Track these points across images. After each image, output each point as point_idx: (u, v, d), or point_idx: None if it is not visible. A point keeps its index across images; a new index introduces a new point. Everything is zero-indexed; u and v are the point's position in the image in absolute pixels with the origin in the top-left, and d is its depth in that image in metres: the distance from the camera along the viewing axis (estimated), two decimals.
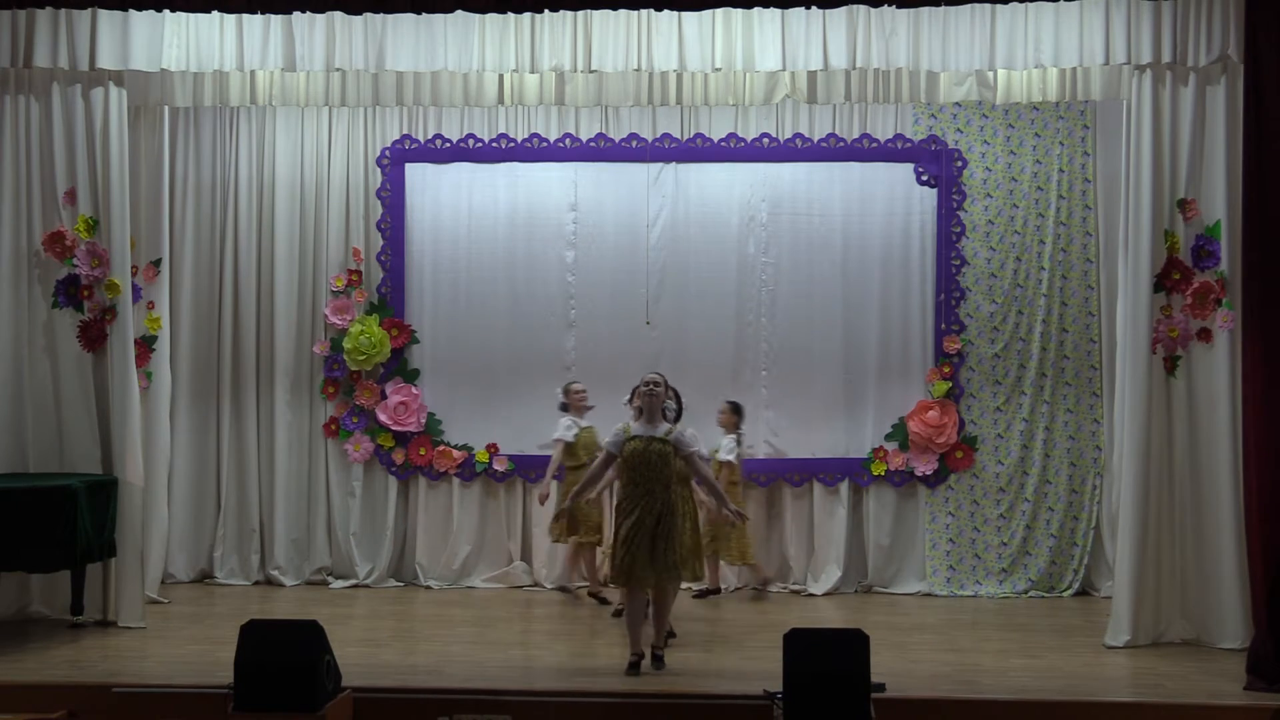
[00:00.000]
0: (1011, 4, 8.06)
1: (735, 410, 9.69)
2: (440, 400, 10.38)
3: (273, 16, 8.31)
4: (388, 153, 10.43)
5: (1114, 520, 9.05)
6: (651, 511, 7.40)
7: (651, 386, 7.58)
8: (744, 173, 10.30)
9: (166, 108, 9.32)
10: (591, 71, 8.50)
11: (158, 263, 9.28)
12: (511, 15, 8.24)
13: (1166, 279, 8.17)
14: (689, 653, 7.94)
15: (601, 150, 10.37)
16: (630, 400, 8.16)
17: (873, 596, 9.99)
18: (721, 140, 10.32)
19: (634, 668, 7.37)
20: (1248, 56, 7.82)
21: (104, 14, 8.31)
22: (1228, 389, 7.97)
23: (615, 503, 7.85)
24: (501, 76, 9.08)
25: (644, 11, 8.19)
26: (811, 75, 8.80)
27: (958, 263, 10.15)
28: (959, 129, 10.20)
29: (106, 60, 8.38)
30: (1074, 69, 8.61)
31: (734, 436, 9.62)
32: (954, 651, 8.08)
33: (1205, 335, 8.09)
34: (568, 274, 10.34)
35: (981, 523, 10.08)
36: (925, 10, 8.10)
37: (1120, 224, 8.62)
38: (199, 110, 10.20)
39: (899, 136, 10.25)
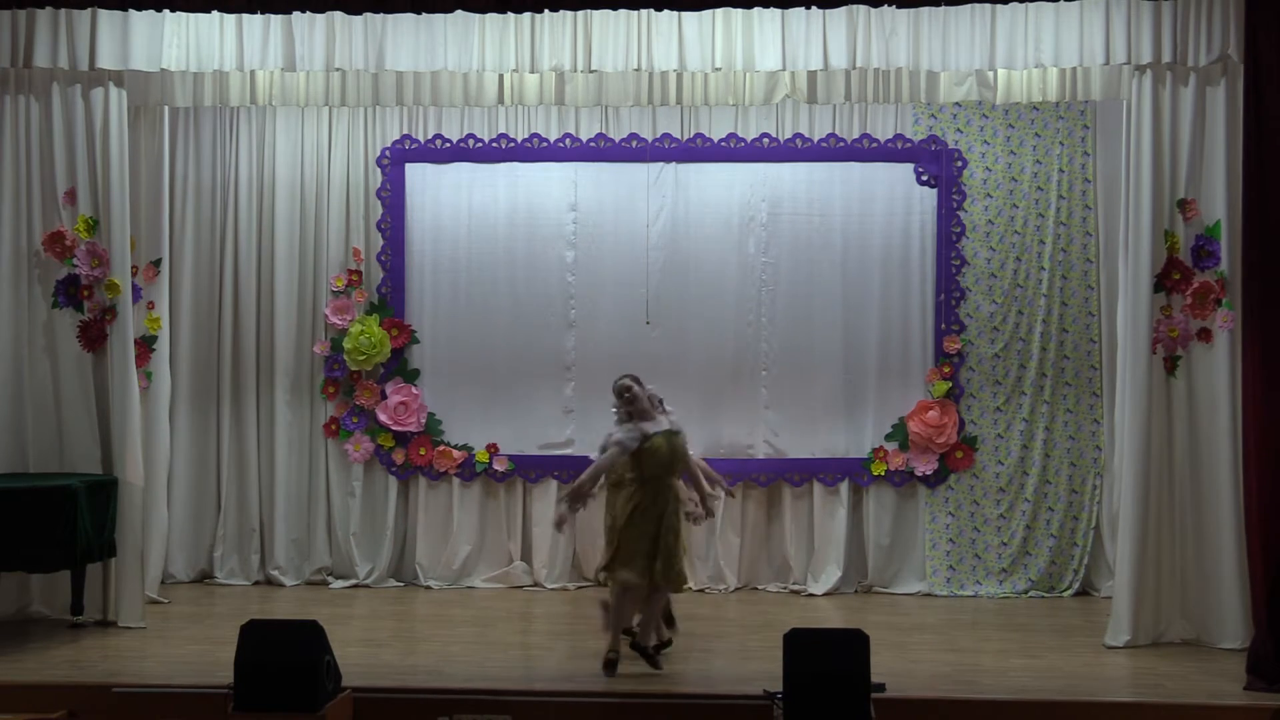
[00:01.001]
0: (1011, 4, 8.06)
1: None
2: (440, 400, 10.38)
3: (273, 16, 8.31)
4: (388, 153, 10.43)
5: (1114, 520, 9.06)
6: (663, 511, 7.39)
7: (631, 392, 7.58)
8: (744, 173, 10.29)
9: (166, 108, 9.31)
10: (591, 71, 8.50)
11: (158, 263, 9.28)
12: (511, 15, 8.24)
13: (1166, 279, 8.17)
14: (689, 653, 7.94)
15: (601, 150, 10.36)
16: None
17: (873, 596, 9.99)
18: (721, 140, 10.32)
19: (611, 666, 7.34)
20: (1248, 56, 7.82)
21: (104, 14, 8.31)
22: (1228, 389, 7.96)
23: (611, 498, 7.73)
24: (501, 76, 9.07)
25: (644, 11, 8.19)
26: (811, 75, 8.80)
27: (958, 263, 10.15)
28: (959, 129, 10.20)
29: (106, 60, 8.38)
30: (1074, 69, 8.61)
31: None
32: (954, 651, 8.08)
33: (1205, 335, 8.09)
34: (568, 274, 10.34)
35: (981, 523, 10.08)
36: (925, 10, 8.10)
37: (1120, 224, 8.63)
38: (199, 110, 10.19)
39: (899, 136, 10.25)
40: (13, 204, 8.57)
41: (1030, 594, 9.93)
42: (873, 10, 8.12)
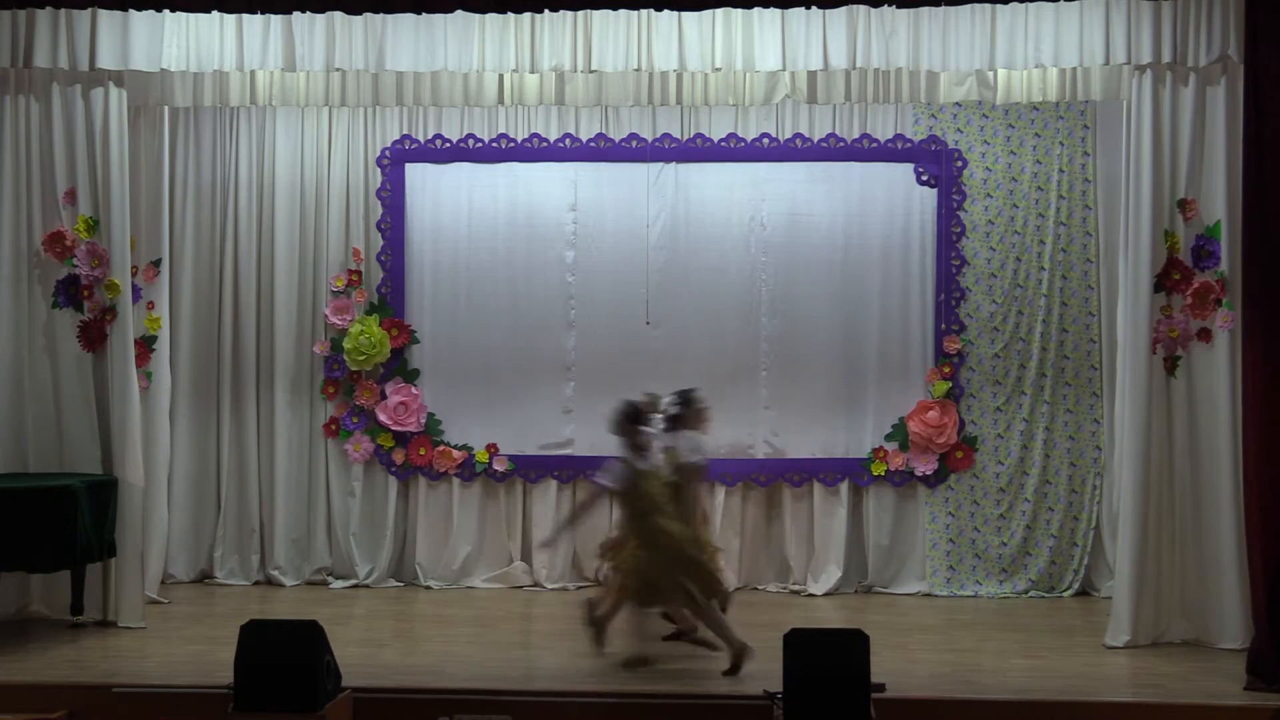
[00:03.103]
0: (1011, 4, 8.05)
1: None
2: (440, 400, 10.38)
3: (273, 16, 8.30)
4: (388, 153, 10.43)
5: (1114, 520, 9.06)
6: None
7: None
8: (744, 173, 10.29)
9: (166, 108, 9.31)
10: (591, 71, 8.50)
11: (158, 263, 9.28)
12: (511, 15, 8.23)
13: (1166, 279, 8.17)
14: (689, 653, 7.94)
15: (601, 150, 10.36)
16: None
17: (873, 596, 9.99)
18: (721, 140, 10.32)
19: None
20: (1248, 56, 7.82)
21: (104, 14, 8.31)
22: (1228, 389, 7.96)
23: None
24: (501, 76, 9.07)
25: (644, 11, 8.19)
26: (811, 75, 8.80)
27: (958, 263, 10.15)
28: (959, 129, 10.20)
29: (106, 60, 8.38)
30: (1074, 69, 8.60)
31: None
32: (954, 651, 8.08)
33: (1205, 335, 8.09)
34: (568, 274, 10.34)
35: (981, 523, 10.08)
36: (925, 10, 8.10)
37: (1120, 224, 8.63)
38: (199, 110, 10.18)
39: (899, 136, 10.25)
40: (13, 204, 8.57)
41: (1030, 594, 9.93)
42: (873, 10, 8.11)
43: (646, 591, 7.52)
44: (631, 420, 7.76)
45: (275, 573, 10.22)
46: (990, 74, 8.83)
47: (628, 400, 7.91)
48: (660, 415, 8.25)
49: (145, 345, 9.12)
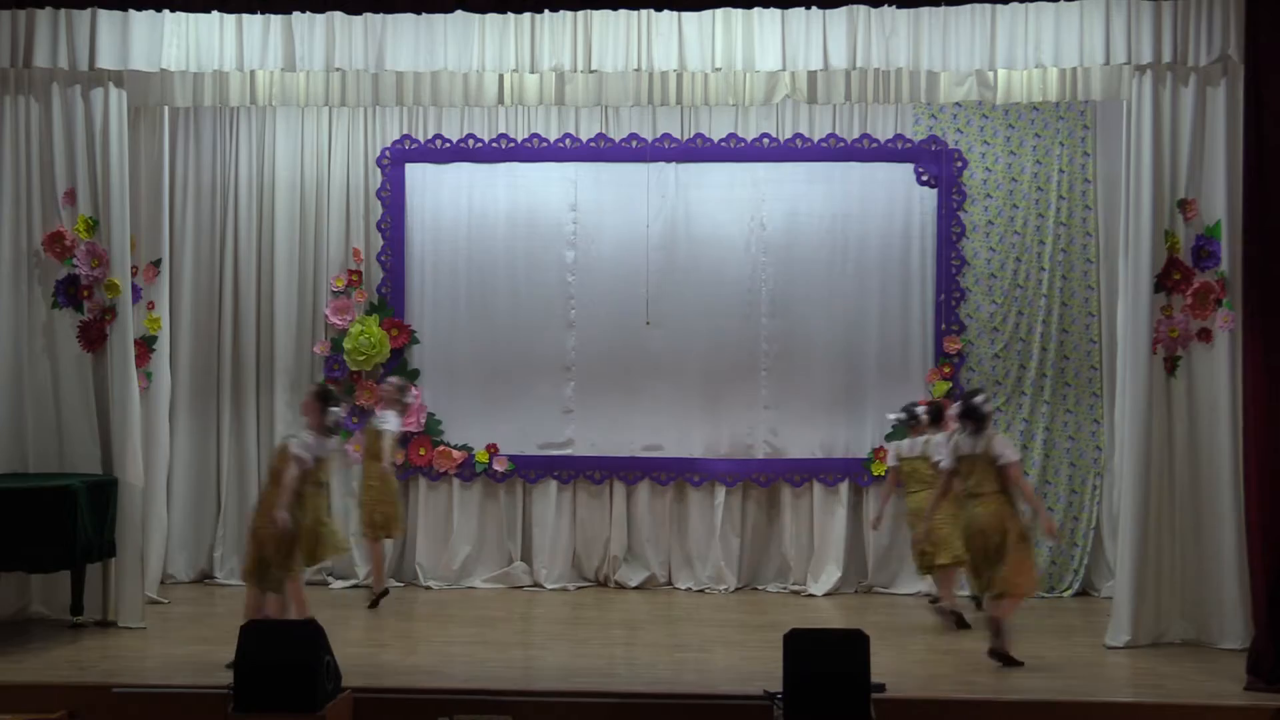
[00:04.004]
0: (1011, 4, 8.06)
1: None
2: (440, 400, 10.38)
3: (273, 16, 8.31)
4: (388, 153, 10.43)
5: (1114, 520, 9.07)
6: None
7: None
8: (744, 173, 10.29)
9: (166, 108, 9.32)
10: (591, 71, 8.50)
11: (158, 263, 9.29)
12: (511, 15, 8.24)
13: (1167, 279, 8.17)
14: (689, 653, 7.95)
15: (601, 150, 10.37)
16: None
17: (873, 596, 9.99)
18: (721, 140, 10.32)
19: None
20: (1248, 56, 7.82)
21: (104, 14, 8.31)
22: (1228, 389, 7.96)
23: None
24: (501, 76, 9.07)
25: (644, 11, 8.19)
26: (811, 75, 8.80)
27: (958, 263, 10.15)
28: (959, 129, 10.20)
29: (106, 60, 8.38)
30: (1074, 69, 8.61)
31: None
32: (954, 652, 8.08)
33: (1205, 335, 8.09)
34: (568, 274, 10.34)
35: None
36: (925, 10, 8.10)
37: (1120, 224, 8.64)
38: (199, 110, 10.20)
39: (899, 137, 10.25)
40: (13, 204, 8.57)
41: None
42: (873, 10, 8.12)
43: (260, 565, 7.60)
44: (321, 402, 7.81)
45: None
46: (990, 74, 8.83)
47: (319, 383, 8.50)
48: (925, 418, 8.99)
49: (145, 345, 9.12)
